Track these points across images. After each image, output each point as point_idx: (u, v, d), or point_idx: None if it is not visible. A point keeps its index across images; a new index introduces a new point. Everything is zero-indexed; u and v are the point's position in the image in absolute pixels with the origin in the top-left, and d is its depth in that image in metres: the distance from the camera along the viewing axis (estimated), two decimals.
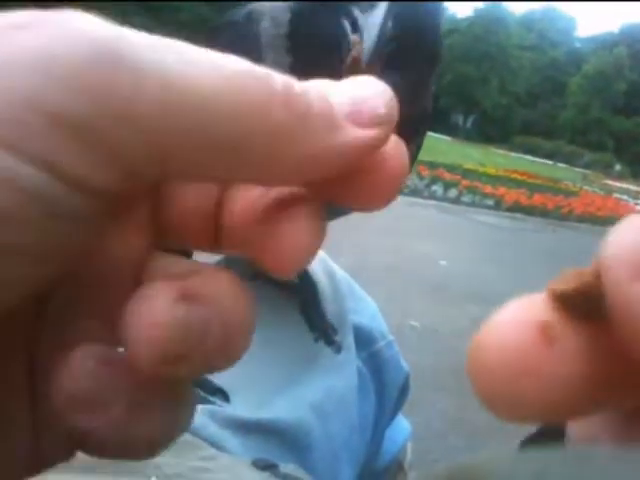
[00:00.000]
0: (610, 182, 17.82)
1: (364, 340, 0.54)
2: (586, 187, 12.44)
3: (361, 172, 0.14)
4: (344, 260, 0.62)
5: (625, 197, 11.78)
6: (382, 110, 0.13)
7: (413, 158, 0.46)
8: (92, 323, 0.14)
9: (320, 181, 0.13)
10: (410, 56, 0.35)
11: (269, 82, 0.12)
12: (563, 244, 5.46)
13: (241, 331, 0.14)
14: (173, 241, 0.16)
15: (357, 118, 0.13)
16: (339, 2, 0.34)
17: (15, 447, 0.14)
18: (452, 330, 2.57)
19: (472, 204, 6.76)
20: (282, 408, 0.44)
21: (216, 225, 0.15)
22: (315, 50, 0.35)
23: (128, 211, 0.14)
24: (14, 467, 0.14)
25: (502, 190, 7.45)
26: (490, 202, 6.92)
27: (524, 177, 10.34)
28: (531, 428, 0.31)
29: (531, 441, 0.31)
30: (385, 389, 0.55)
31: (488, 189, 7.40)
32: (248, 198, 0.15)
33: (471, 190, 7.23)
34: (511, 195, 7.24)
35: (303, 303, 0.50)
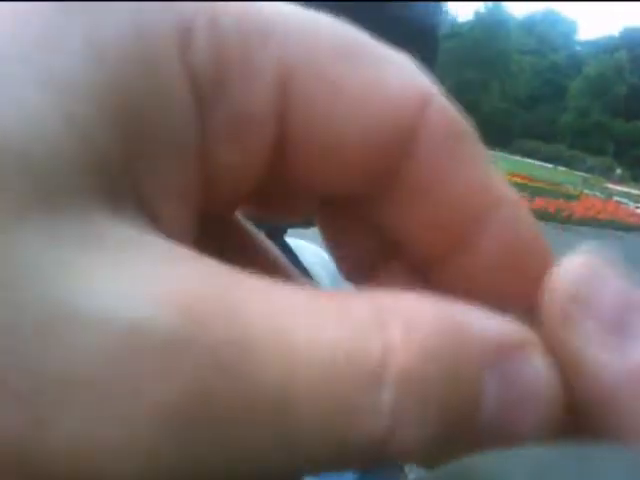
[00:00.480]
0: (610, 186, 17.84)
1: None
2: (586, 191, 12.45)
3: None
4: None
5: (625, 201, 11.79)
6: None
7: None
8: None
9: None
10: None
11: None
12: (563, 248, 5.46)
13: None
14: None
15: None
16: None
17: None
18: None
19: None
20: None
21: None
22: None
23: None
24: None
25: None
26: None
27: (525, 181, 10.35)
28: None
29: None
30: None
31: None
32: None
33: None
34: None
35: None
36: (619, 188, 17.21)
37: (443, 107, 0.12)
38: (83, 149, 0.09)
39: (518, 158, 24.95)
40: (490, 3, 37.00)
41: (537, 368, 0.10)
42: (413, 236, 0.13)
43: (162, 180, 0.11)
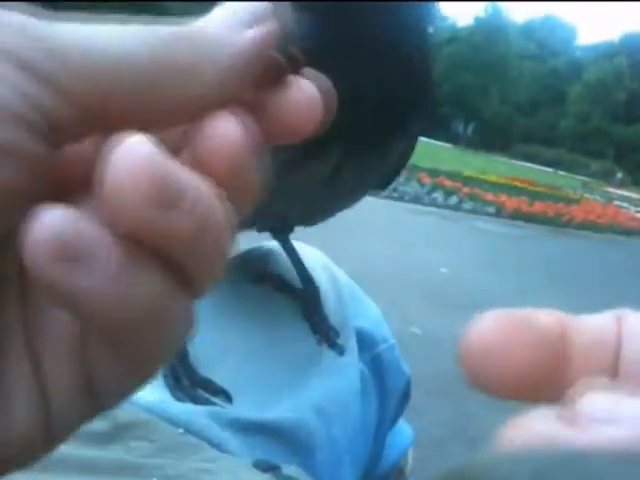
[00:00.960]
0: (611, 190, 17.84)
1: (366, 343, 0.54)
2: (587, 195, 12.45)
3: (280, 93, 0.16)
4: (345, 267, 0.62)
5: (626, 205, 11.79)
6: (259, 10, 0.16)
7: (411, 147, 0.46)
8: None
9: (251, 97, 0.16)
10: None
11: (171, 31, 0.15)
12: (564, 251, 5.46)
13: (221, 218, 0.14)
14: None
15: (232, 20, 0.15)
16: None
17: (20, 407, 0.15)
18: (453, 337, 2.55)
19: (473, 211, 6.76)
20: (285, 410, 0.44)
21: None
22: None
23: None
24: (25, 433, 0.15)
25: (503, 197, 7.47)
26: (491, 209, 6.93)
27: (525, 185, 10.36)
28: None
29: None
30: (387, 392, 0.56)
31: (489, 196, 7.42)
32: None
33: (472, 197, 7.24)
34: (512, 202, 7.25)
35: (305, 306, 0.51)
36: (619, 192, 17.21)
37: None
38: None
39: (518, 162, 24.96)
40: (489, 5, 37.10)
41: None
42: None
43: None
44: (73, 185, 0.15)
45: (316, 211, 0.48)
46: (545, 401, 0.13)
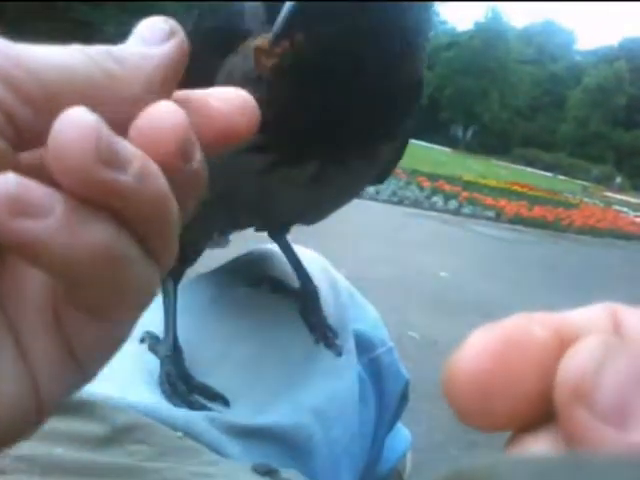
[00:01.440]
0: (610, 194, 17.84)
1: (365, 346, 0.54)
2: (586, 199, 12.44)
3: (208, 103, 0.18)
4: (344, 271, 0.62)
5: (625, 209, 11.78)
6: (165, 26, 0.18)
7: (404, 145, 0.46)
8: None
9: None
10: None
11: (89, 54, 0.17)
12: (563, 256, 5.46)
13: None
14: None
15: (150, 38, 0.18)
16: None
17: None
18: (452, 341, 2.55)
19: (473, 216, 6.76)
20: (282, 413, 0.44)
21: None
22: None
23: None
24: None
25: (503, 202, 7.46)
26: (491, 214, 6.92)
27: (525, 189, 10.35)
28: None
29: None
30: (385, 395, 0.56)
31: (489, 201, 7.41)
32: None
33: (472, 202, 7.24)
34: (512, 207, 7.25)
35: (303, 305, 0.51)
36: (619, 197, 17.21)
37: None
38: None
39: (518, 167, 24.96)
40: (489, 10, 37.15)
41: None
42: None
43: None
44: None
45: (305, 211, 0.48)
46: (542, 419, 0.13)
